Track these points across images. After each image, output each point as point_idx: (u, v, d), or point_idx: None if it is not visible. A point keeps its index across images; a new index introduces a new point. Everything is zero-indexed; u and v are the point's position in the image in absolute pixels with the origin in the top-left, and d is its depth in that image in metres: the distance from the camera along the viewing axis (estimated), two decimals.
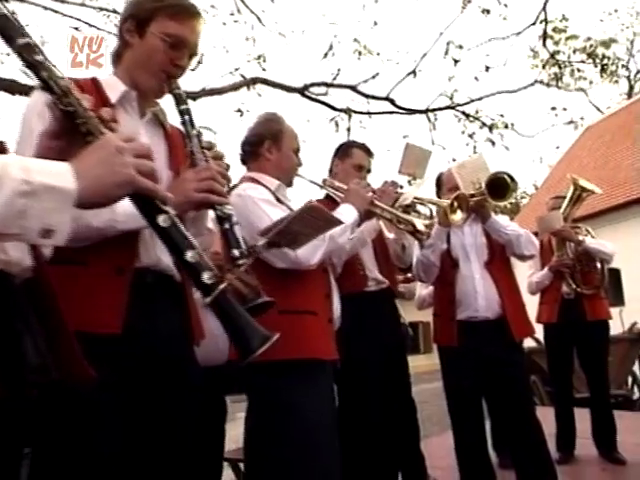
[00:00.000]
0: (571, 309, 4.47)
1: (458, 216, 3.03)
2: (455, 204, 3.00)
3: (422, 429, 3.48)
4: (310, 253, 2.20)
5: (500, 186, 3.22)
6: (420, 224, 2.73)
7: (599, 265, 4.55)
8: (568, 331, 4.49)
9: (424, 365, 14.43)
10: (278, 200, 2.36)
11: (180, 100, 1.73)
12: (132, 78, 1.71)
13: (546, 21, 7.96)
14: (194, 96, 7.50)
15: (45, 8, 7.37)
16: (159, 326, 1.60)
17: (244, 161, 2.58)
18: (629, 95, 24.49)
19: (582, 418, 4.54)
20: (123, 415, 1.50)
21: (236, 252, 1.57)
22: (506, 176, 3.24)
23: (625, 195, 13.64)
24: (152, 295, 1.62)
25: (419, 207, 3.19)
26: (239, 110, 8.35)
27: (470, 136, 8.67)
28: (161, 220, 1.08)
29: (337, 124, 8.80)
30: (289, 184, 2.55)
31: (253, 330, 1.11)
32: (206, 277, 1.08)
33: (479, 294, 3.36)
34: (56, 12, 7.25)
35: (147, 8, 1.69)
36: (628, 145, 15.86)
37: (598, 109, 23.04)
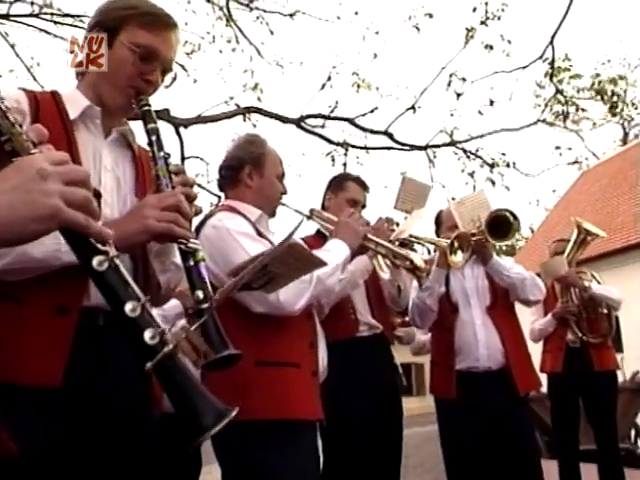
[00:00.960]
0: (577, 358, 4.26)
1: (459, 257, 2.79)
2: (455, 244, 2.76)
3: (413, 476, 3.18)
4: (294, 297, 1.93)
5: (502, 224, 3.02)
6: (419, 259, 2.48)
7: (606, 312, 4.33)
8: (574, 381, 4.26)
9: (417, 407, 14.23)
10: (259, 233, 2.11)
11: (148, 118, 1.54)
12: (97, 93, 1.53)
13: (553, 57, 7.86)
14: (185, 123, 7.34)
15: (40, 30, 7.28)
16: (109, 376, 1.38)
17: (222, 187, 2.34)
18: (624, 142, 24.75)
19: (588, 474, 4.23)
20: (64, 475, 1.31)
21: (200, 294, 1.34)
22: (508, 213, 3.03)
23: (623, 240, 13.53)
24: (104, 340, 1.39)
25: (416, 247, 2.96)
26: (233, 141, 8.13)
27: (470, 175, 8.51)
28: (95, 263, 0.88)
29: (333, 159, 8.65)
30: (272, 214, 2.31)
31: (206, 404, 0.90)
32: (148, 336, 0.87)
33: (480, 342, 3.11)
34: (49, 33, 7.16)
35: (116, 16, 1.52)
36: (625, 190, 15.91)
37: (594, 154, 23.17)
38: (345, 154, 8.52)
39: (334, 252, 2.14)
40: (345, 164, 8.59)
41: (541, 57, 8.01)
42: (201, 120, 7.56)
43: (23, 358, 1.27)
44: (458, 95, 8.33)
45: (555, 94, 8.44)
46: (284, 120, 8.37)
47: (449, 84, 8.37)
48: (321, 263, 1.64)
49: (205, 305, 1.33)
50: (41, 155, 0.87)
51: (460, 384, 3.09)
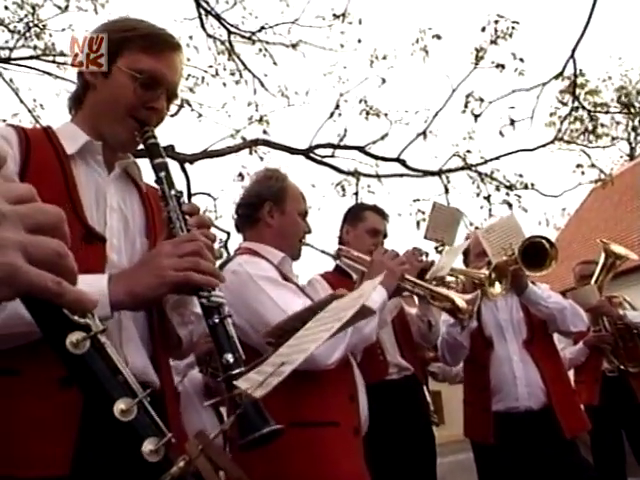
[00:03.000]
0: (616, 389, 3.99)
1: (497, 289, 2.56)
2: (493, 275, 2.54)
3: None
4: (329, 349, 1.70)
5: (536, 253, 2.79)
6: (460, 300, 2.24)
7: None
8: (614, 414, 3.97)
9: (436, 437, 13.61)
10: (284, 277, 1.90)
11: (155, 152, 1.37)
12: (95, 126, 1.37)
13: (575, 72, 7.64)
14: (191, 159, 7.18)
15: (42, 72, 7.22)
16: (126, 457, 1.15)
17: (239, 228, 2.15)
18: (631, 157, 24.51)
19: None
20: None
21: (229, 357, 1.14)
22: (544, 241, 2.81)
23: None
24: None
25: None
26: (240, 175, 8.02)
27: (486, 198, 8.27)
28: (70, 343, 0.61)
29: (344, 188, 8.44)
30: (296, 256, 2.11)
31: None
32: (148, 450, 0.61)
33: (519, 380, 2.87)
34: (50, 75, 7.09)
35: (113, 40, 1.36)
36: (638, 206, 15.62)
37: (601, 171, 22.98)
38: (357, 183, 8.32)
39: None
40: (357, 193, 8.39)
41: (562, 73, 7.80)
42: (207, 155, 7.37)
43: (23, 444, 1.08)
44: (476, 117, 8.10)
45: (572, 110, 8.19)
46: (292, 151, 8.20)
47: (466, 105, 8.16)
48: (370, 313, 1.43)
49: (237, 371, 1.12)
50: None
51: (498, 427, 2.84)
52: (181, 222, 1.27)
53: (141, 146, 1.39)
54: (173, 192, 1.32)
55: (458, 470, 3.38)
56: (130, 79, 1.32)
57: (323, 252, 2.37)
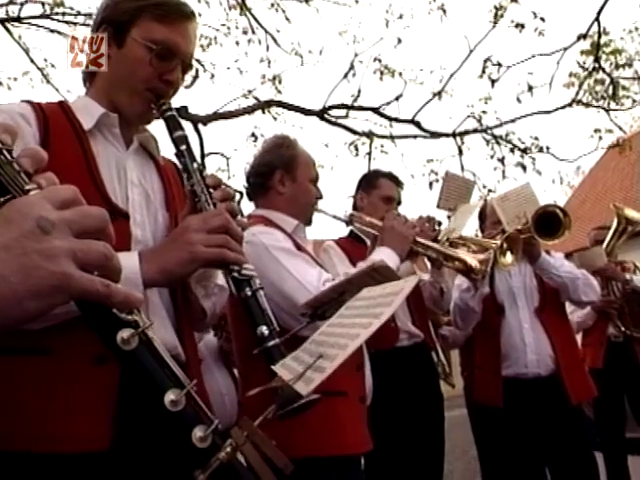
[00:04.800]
0: (620, 354, 4.04)
1: (508, 259, 2.57)
2: (505, 245, 2.55)
3: (444, 464, 2.97)
4: None
5: (550, 221, 2.79)
6: (473, 260, 2.24)
7: None
8: (617, 378, 4.04)
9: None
10: (297, 246, 1.91)
11: (173, 125, 1.36)
12: (110, 99, 1.35)
13: (599, 35, 7.36)
14: (204, 120, 7.11)
15: (52, 31, 7.12)
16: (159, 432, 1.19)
17: (251, 196, 2.14)
18: None
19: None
20: None
21: (264, 329, 1.17)
22: (557, 210, 2.81)
23: None
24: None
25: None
26: (253, 135, 7.94)
27: (500, 160, 8.19)
28: (121, 339, 0.64)
29: (357, 148, 8.35)
30: (308, 222, 2.11)
31: None
32: (198, 437, 0.64)
33: (528, 347, 2.91)
34: (61, 34, 6.99)
35: (126, 9, 1.33)
36: None
37: (620, 128, 22.55)
38: (370, 144, 8.21)
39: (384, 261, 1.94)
40: (370, 153, 8.29)
41: (585, 36, 7.50)
42: (221, 116, 7.31)
43: (60, 422, 1.09)
44: (493, 82, 7.91)
45: (593, 70, 7.91)
46: (306, 112, 8.08)
47: (484, 70, 7.95)
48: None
49: (272, 343, 1.15)
50: (41, 195, 0.61)
51: (506, 392, 2.90)
52: (206, 196, 1.27)
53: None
54: (195, 165, 1.31)
55: (464, 423, 3.47)
56: (145, 50, 1.30)
57: (335, 217, 2.38)
